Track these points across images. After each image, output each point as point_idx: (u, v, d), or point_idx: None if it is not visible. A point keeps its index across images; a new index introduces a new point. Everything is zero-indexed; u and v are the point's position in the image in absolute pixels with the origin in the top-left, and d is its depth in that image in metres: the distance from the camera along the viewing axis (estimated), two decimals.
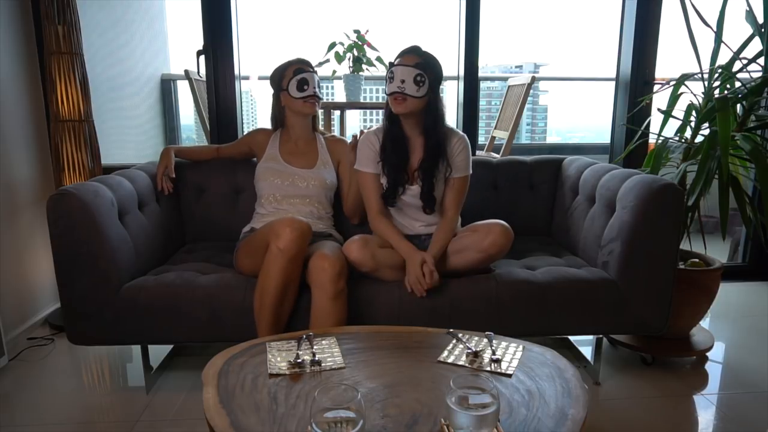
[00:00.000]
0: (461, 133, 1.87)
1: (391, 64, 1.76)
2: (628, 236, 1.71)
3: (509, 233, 1.73)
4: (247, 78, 2.86)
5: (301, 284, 1.68)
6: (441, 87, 1.83)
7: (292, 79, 1.92)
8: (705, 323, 2.46)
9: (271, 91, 2.03)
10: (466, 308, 1.72)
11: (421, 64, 1.72)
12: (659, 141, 2.16)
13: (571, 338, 2.22)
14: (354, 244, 1.70)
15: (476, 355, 1.28)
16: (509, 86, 3.29)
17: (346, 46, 2.62)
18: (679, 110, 2.15)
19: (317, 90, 1.95)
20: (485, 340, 1.36)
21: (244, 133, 2.22)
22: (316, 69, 2.00)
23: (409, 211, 1.89)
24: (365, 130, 1.91)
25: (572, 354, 2.15)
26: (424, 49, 1.77)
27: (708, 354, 2.14)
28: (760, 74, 2.01)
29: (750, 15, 2.04)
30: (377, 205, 1.86)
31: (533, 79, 2.98)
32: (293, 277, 1.62)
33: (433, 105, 1.77)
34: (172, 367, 2.06)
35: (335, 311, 1.61)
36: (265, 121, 2.13)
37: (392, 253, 1.77)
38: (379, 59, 2.67)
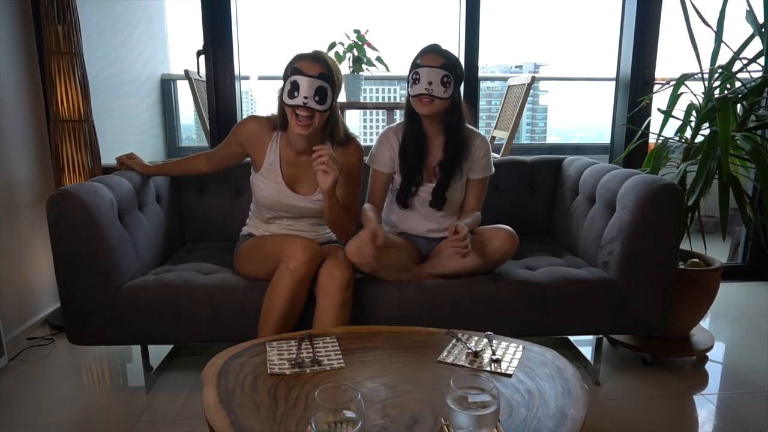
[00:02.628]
0: (482, 134, 1.88)
1: (416, 65, 1.74)
2: (628, 236, 1.71)
3: (514, 239, 1.73)
4: (247, 78, 2.87)
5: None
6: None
7: (288, 78, 1.61)
8: (705, 323, 2.46)
9: (272, 90, 1.95)
10: (466, 308, 1.72)
11: (447, 65, 1.71)
12: (659, 141, 2.16)
13: (571, 338, 2.22)
14: (353, 245, 1.69)
15: (476, 355, 1.28)
16: (509, 86, 3.29)
17: (346, 46, 2.62)
18: (679, 110, 2.15)
19: (309, 100, 1.57)
20: (485, 340, 1.36)
21: (234, 129, 1.84)
22: (329, 71, 1.62)
23: (422, 209, 1.89)
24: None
25: (572, 354, 2.15)
26: (443, 47, 1.77)
27: (708, 354, 2.14)
28: (760, 74, 2.01)
29: (750, 15, 2.04)
30: (377, 199, 1.87)
31: (533, 79, 2.97)
32: (300, 297, 1.61)
33: (456, 104, 1.78)
34: (172, 367, 2.06)
35: (341, 319, 1.60)
36: None
37: (394, 252, 1.77)
38: (379, 59, 2.67)
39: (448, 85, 1.72)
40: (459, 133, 1.81)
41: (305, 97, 1.57)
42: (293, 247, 1.57)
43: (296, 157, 1.78)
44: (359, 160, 1.82)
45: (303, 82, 1.58)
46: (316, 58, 1.63)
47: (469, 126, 1.86)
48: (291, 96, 1.59)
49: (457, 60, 1.76)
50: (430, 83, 1.70)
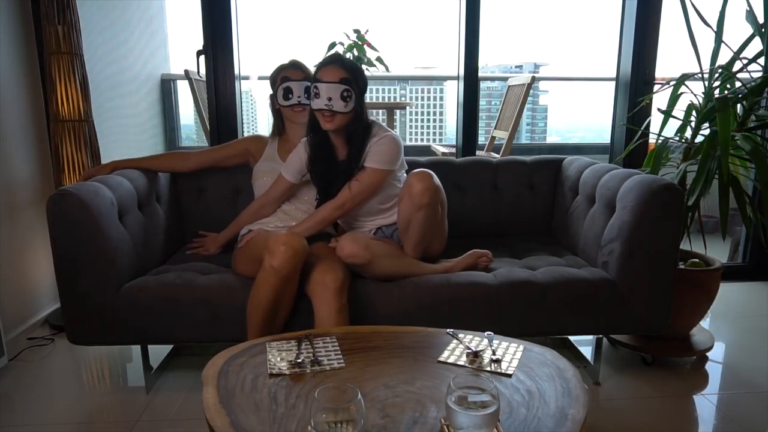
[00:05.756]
0: (391, 133, 1.81)
1: (315, 79, 1.72)
2: (628, 236, 1.71)
3: (426, 173, 1.70)
4: (247, 78, 2.86)
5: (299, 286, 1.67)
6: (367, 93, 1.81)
7: (279, 87, 1.93)
8: (705, 323, 2.46)
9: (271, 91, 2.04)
10: (466, 308, 1.72)
11: (346, 79, 1.69)
12: (659, 141, 2.16)
13: (571, 338, 2.22)
14: (345, 240, 1.69)
15: (476, 355, 1.27)
16: (509, 86, 3.29)
17: (346, 46, 2.63)
18: (679, 110, 2.15)
19: (302, 98, 1.92)
20: (485, 340, 1.36)
21: (242, 137, 2.19)
22: (309, 74, 1.95)
23: (358, 211, 1.88)
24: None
25: (572, 354, 2.15)
26: (346, 57, 1.77)
27: (708, 354, 2.14)
28: (760, 74, 2.01)
29: (750, 15, 2.04)
30: (268, 199, 1.93)
31: (533, 79, 2.98)
32: (286, 293, 1.60)
33: (359, 113, 1.75)
34: (172, 367, 2.06)
35: (340, 324, 1.59)
36: (264, 121, 2.14)
37: (382, 243, 1.78)
38: (379, 59, 2.67)
39: (348, 99, 1.69)
40: (362, 140, 1.77)
41: (298, 97, 1.93)
42: (276, 243, 1.54)
43: (292, 146, 2.00)
44: None
45: (293, 86, 1.92)
46: (294, 64, 1.98)
47: (380, 124, 1.83)
48: (286, 98, 1.94)
49: (358, 69, 1.75)
50: (330, 99, 1.68)
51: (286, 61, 2.00)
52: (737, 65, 2.04)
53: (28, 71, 2.36)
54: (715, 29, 2.05)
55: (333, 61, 1.73)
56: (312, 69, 1.94)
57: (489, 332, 1.38)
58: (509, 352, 1.31)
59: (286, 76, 1.94)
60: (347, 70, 1.72)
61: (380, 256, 1.72)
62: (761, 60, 2.02)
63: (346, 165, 1.80)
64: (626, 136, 2.74)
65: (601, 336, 1.95)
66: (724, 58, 2.06)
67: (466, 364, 1.25)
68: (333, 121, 1.72)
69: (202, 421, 1.08)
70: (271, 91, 2.02)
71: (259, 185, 2.02)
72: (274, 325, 1.62)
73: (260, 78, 3.27)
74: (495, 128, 3.38)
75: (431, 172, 1.73)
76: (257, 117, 4.15)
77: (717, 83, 2.07)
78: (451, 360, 1.27)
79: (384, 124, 1.86)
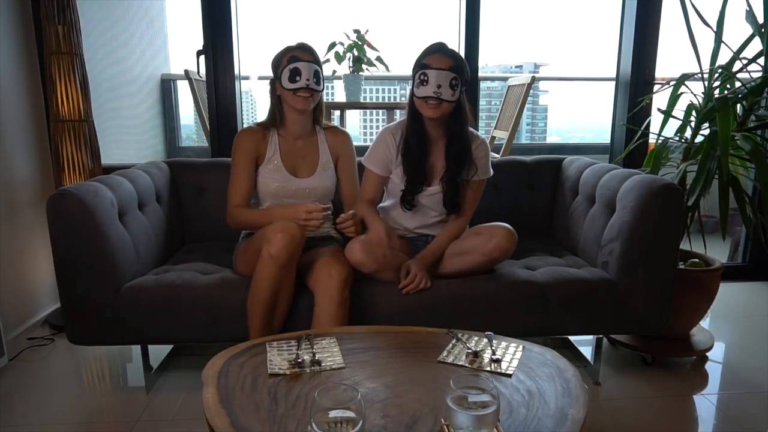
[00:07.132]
0: (481, 135, 1.86)
1: (423, 65, 1.69)
2: (628, 236, 1.71)
3: (513, 236, 1.71)
4: (247, 78, 2.87)
5: (297, 285, 1.68)
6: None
7: (286, 68, 1.74)
8: (705, 323, 2.46)
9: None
10: (466, 308, 1.72)
11: (455, 67, 1.68)
12: (659, 141, 2.16)
13: (571, 338, 2.22)
14: (356, 245, 1.68)
15: (476, 355, 1.27)
16: (509, 86, 3.29)
17: (346, 46, 2.63)
18: (679, 110, 2.15)
19: (311, 82, 1.74)
20: (485, 340, 1.36)
21: (233, 150, 1.87)
22: (318, 59, 1.81)
23: (420, 210, 1.87)
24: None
25: (572, 354, 2.15)
26: (449, 47, 1.73)
27: (708, 354, 2.14)
28: (760, 74, 2.01)
29: (750, 15, 2.04)
30: (372, 197, 1.87)
31: (533, 79, 2.97)
32: (285, 283, 1.61)
33: (461, 107, 1.74)
34: (172, 367, 2.06)
35: (339, 317, 1.60)
36: None
37: (394, 254, 1.77)
38: (379, 59, 2.67)
39: (455, 88, 1.68)
40: (462, 137, 1.77)
41: (307, 80, 1.73)
42: (273, 232, 1.56)
43: (294, 144, 1.89)
44: (352, 144, 1.98)
45: (303, 67, 1.73)
46: (303, 46, 1.79)
47: (471, 129, 1.84)
48: (293, 80, 1.74)
49: (463, 60, 1.73)
50: (439, 86, 1.66)
51: (293, 43, 1.81)
52: (737, 65, 2.04)
53: (28, 71, 2.36)
54: (715, 29, 2.05)
55: (440, 49, 1.71)
56: (322, 56, 1.92)
57: (489, 332, 1.38)
58: (509, 352, 1.31)
59: (294, 56, 1.75)
60: (454, 59, 1.70)
61: (388, 268, 1.72)
62: (761, 60, 2.02)
63: (452, 167, 1.78)
64: (626, 136, 2.74)
65: (601, 336, 1.95)
66: (724, 58, 2.06)
67: (466, 364, 1.25)
68: (438, 108, 1.69)
69: (202, 421, 1.08)
70: (272, 77, 1.83)
71: (264, 191, 1.88)
72: (274, 319, 1.63)
73: (260, 78, 3.27)
74: (495, 128, 3.37)
75: (516, 236, 1.71)
76: (257, 117, 4.14)
77: (717, 83, 2.07)
78: (451, 360, 1.27)
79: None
